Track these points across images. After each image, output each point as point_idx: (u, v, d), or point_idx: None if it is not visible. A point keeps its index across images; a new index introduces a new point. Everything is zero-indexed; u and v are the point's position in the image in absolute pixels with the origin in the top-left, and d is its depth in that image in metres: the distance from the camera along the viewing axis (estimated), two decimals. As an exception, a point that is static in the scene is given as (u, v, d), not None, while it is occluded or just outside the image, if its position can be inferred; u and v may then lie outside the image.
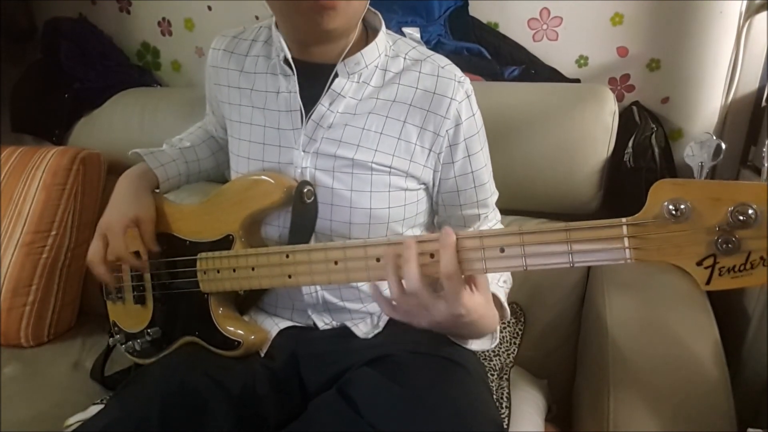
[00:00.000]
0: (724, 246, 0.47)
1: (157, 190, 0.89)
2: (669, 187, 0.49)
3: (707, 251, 0.49)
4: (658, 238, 0.50)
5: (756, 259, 0.47)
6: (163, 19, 1.55)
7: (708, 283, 0.49)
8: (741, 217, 0.46)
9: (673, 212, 0.49)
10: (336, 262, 0.66)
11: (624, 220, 0.52)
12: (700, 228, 0.49)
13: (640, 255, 0.52)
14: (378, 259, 0.63)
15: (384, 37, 0.78)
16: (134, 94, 1.48)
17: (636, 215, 0.51)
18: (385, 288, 0.66)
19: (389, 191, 0.77)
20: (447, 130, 0.76)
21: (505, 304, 0.75)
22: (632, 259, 0.52)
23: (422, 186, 0.80)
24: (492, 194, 0.86)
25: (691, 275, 0.56)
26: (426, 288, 0.61)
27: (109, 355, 1.01)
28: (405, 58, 0.78)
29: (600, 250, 0.53)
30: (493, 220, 0.89)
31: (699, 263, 0.49)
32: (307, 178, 0.77)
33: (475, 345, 0.75)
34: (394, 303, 0.65)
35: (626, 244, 0.52)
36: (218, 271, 0.77)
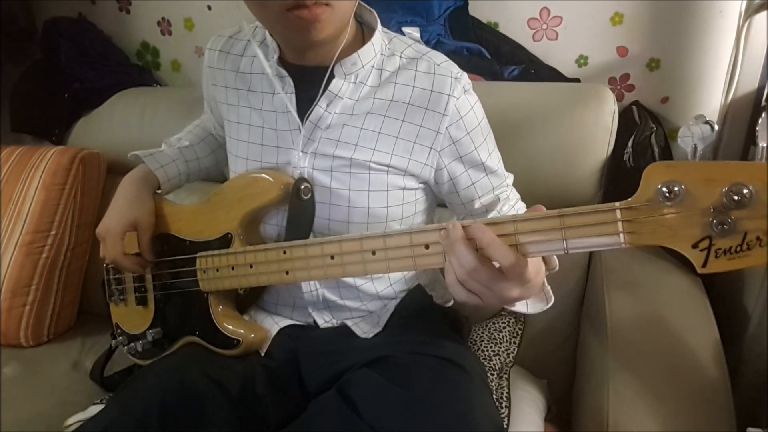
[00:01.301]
0: (720, 227, 0.46)
1: (159, 191, 0.90)
2: (662, 170, 0.48)
3: (702, 233, 0.47)
4: (652, 221, 0.49)
5: (752, 239, 0.45)
6: (163, 18, 1.55)
7: (704, 265, 0.48)
8: (736, 197, 0.45)
9: (667, 194, 0.48)
10: (332, 257, 0.66)
11: (617, 204, 0.51)
12: (695, 210, 0.47)
13: (634, 239, 0.51)
14: (373, 252, 0.63)
15: (380, 36, 0.78)
16: (134, 93, 1.47)
17: (629, 199, 0.50)
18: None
19: (387, 190, 0.77)
20: (447, 127, 0.75)
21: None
22: (626, 244, 0.51)
23: (421, 185, 0.80)
24: (506, 177, 0.84)
25: (688, 273, 0.56)
26: (488, 268, 0.56)
27: (110, 357, 1.01)
28: (401, 57, 0.78)
29: (594, 234, 0.52)
30: (513, 199, 0.85)
31: (694, 246, 0.48)
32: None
33: (531, 308, 0.71)
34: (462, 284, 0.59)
35: (620, 228, 0.51)
36: (217, 270, 0.77)
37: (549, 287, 0.71)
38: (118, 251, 0.82)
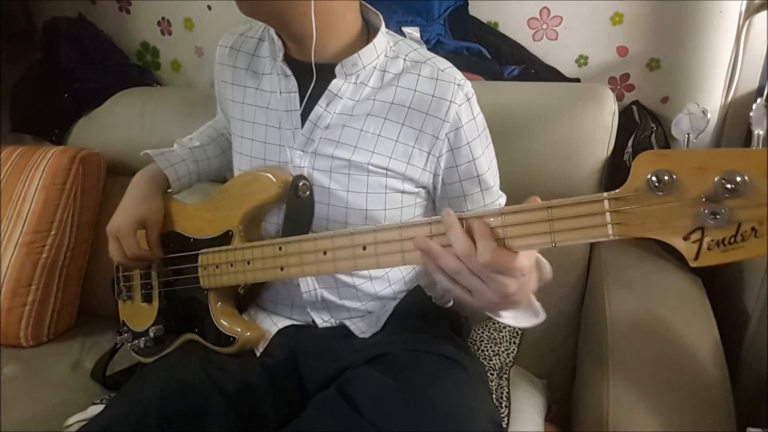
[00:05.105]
0: (712, 217, 0.43)
1: (169, 190, 0.91)
2: (652, 159, 0.46)
3: (694, 224, 0.45)
4: (641, 212, 0.47)
5: (747, 230, 0.43)
6: (163, 18, 1.55)
7: (696, 258, 0.45)
8: (729, 186, 0.42)
9: (656, 184, 0.46)
10: (324, 252, 0.66)
11: (605, 194, 0.49)
12: (686, 199, 0.45)
13: (623, 231, 0.49)
14: (364, 248, 0.62)
15: (383, 38, 0.78)
16: (134, 93, 1.47)
17: (618, 189, 0.48)
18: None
19: (385, 193, 0.77)
20: (446, 134, 0.75)
21: (543, 260, 0.66)
22: (615, 236, 0.49)
23: (421, 189, 0.80)
24: (499, 197, 0.84)
25: (688, 273, 0.54)
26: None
27: (113, 356, 1.02)
28: (405, 60, 0.78)
29: (581, 227, 0.50)
30: None
31: (686, 237, 0.46)
32: None
33: (521, 321, 0.66)
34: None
35: (608, 219, 0.49)
36: (217, 267, 0.78)
37: (537, 302, 0.66)
38: (136, 247, 0.83)
